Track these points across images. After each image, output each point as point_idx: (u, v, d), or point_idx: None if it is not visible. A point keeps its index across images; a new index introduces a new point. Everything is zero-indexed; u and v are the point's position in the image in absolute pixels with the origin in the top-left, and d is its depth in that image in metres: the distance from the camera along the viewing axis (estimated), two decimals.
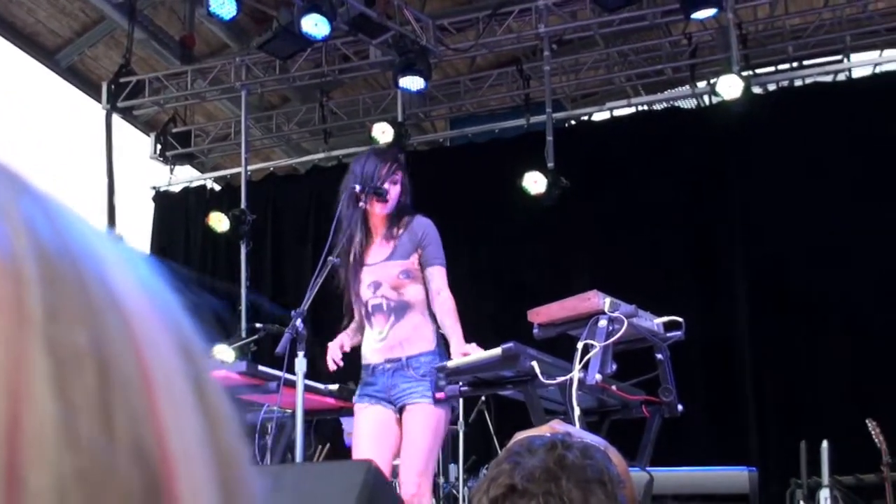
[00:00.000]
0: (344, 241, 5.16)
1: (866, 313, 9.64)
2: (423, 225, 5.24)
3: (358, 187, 5.11)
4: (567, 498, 1.84)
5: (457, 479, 8.26)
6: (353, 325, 5.36)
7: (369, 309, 5.15)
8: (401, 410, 5.04)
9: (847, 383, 9.53)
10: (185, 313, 0.46)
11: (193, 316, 0.47)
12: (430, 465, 5.01)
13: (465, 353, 4.88)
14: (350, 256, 5.18)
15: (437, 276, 5.15)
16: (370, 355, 5.17)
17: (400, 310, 5.09)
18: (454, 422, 5.33)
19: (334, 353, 5.16)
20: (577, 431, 2.22)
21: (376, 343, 5.12)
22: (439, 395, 4.94)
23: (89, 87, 12.47)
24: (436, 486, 8.14)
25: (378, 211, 5.19)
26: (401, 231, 5.21)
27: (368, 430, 5.09)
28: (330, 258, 5.06)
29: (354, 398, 5.26)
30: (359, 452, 5.07)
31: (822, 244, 9.95)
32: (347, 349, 5.26)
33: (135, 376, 0.40)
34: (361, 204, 5.12)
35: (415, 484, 4.87)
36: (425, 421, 4.97)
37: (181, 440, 0.41)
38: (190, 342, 0.45)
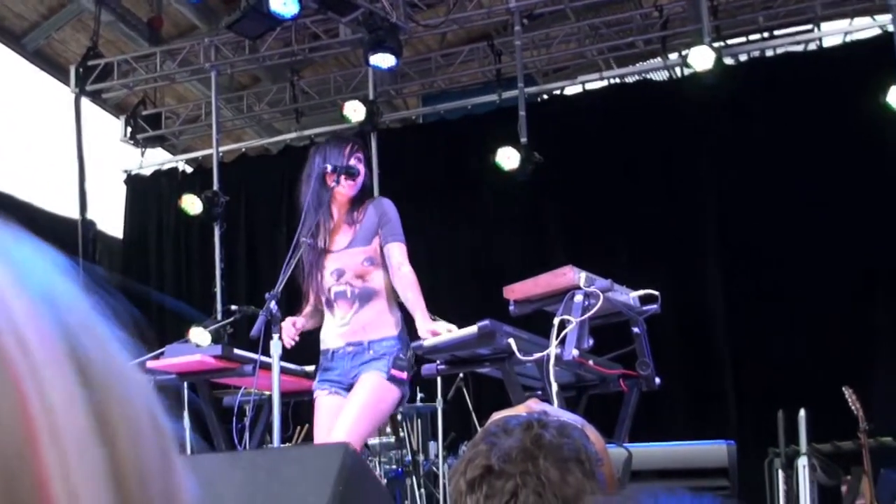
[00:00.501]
0: (314, 223, 5.13)
1: (841, 282, 9.69)
2: (380, 206, 5.21)
3: (329, 167, 5.08)
4: (544, 477, 1.83)
5: (436, 456, 8.27)
6: (308, 309, 5.32)
7: (332, 296, 5.11)
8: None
9: (823, 352, 9.56)
10: (88, 319, 0.43)
11: (108, 319, 0.44)
12: (356, 437, 4.82)
13: (434, 331, 4.84)
14: (316, 241, 5.15)
15: (397, 251, 5.11)
16: (330, 340, 5.13)
17: (364, 297, 5.06)
18: (402, 403, 5.25)
19: (288, 331, 5.11)
20: (554, 410, 2.21)
21: (338, 328, 5.08)
22: (398, 373, 4.90)
23: (57, 70, 12.37)
24: (416, 464, 8.16)
25: (345, 191, 5.16)
26: (361, 216, 5.17)
27: (326, 422, 5.05)
28: (303, 239, 5.03)
29: (314, 384, 5.23)
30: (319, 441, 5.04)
31: (795, 213, 9.98)
32: (299, 328, 5.19)
33: (14, 427, 0.37)
34: (332, 185, 5.09)
35: None
36: (370, 388, 4.90)
37: (68, 482, 0.38)
38: (89, 359, 0.42)
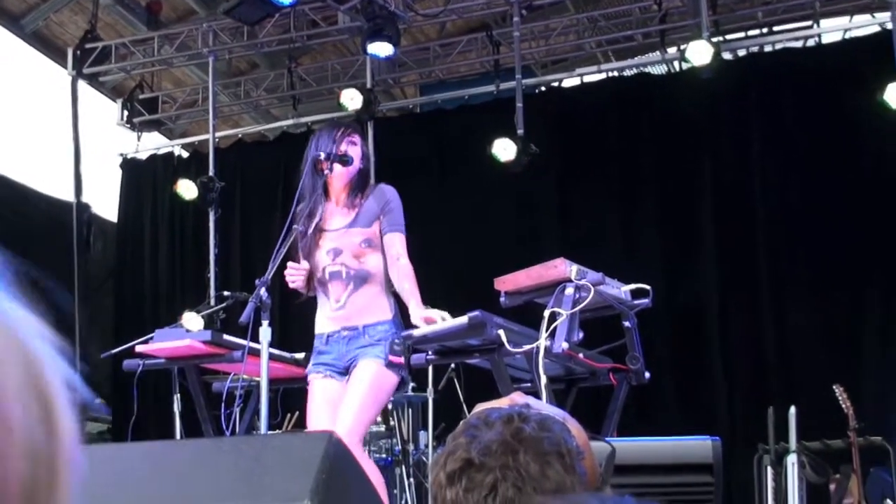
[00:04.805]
0: (306, 210, 5.11)
1: (834, 280, 9.68)
2: (383, 193, 5.19)
3: (322, 154, 5.05)
4: (524, 471, 1.82)
5: (426, 446, 8.27)
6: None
7: (326, 276, 5.09)
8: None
9: (815, 349, 9.57)
10: None
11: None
12: (361, 425, 4.90)
13: (428, 318, 4.82)
14: (311, 224, 5.12)
15: (398, 242, 5.10)
16: (324, 324, 5.11)
17: (359, 279, 5.04)
18: (399, 388, 5.29)
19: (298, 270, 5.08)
20: (537, 403, 2.20)
21: (333, 312, 5.07)
22: (395, 358, 4.87)
23: (55, 52, 12.34)
24: (405, 453, 8.15)
25: (341, 178, 5.14)
26: (361, 200, 5.15)
27: (320, 405, 5.04)
28: (294, 226, 5.01)
29: (307, 368, 5.22)
30: (312, 426, 5.04)
31: (791, 209, 9.98)
32: (304, 272, 5.15)
33: None
34: (326, 172, 5.07)
35: None
36: (368, 377, 4.90)
37: None
38: None
